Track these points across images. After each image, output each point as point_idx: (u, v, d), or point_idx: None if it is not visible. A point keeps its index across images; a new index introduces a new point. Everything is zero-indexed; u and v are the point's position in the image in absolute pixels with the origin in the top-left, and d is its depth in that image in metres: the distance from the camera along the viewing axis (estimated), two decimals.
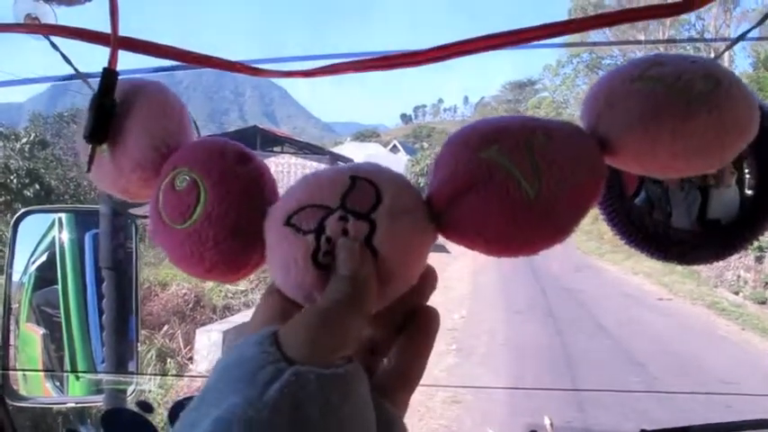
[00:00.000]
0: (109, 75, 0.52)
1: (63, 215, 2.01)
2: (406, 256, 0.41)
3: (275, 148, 22.05)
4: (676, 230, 0.60)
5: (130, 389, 1.73)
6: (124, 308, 1.73)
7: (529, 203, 0.40)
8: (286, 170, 19.12)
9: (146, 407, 1.18)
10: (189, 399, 1.18)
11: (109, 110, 0.51)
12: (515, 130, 0.42)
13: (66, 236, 1.93)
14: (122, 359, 1.73)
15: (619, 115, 0.42)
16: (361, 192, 0.41)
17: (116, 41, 0.52)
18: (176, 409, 1.14)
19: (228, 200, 0.45)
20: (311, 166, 19.18)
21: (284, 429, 0.31)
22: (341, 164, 0.47)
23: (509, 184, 0.40)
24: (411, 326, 0.45)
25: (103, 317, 1.74)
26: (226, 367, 0.35)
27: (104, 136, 0.51)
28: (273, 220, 0.43)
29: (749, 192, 0.61)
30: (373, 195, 0.41)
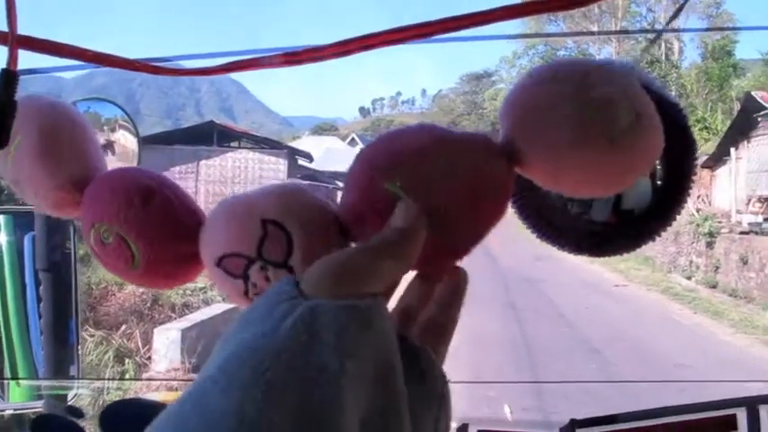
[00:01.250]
0: (9, 75, 0.50)
1: (0, 217, 1.95)
2: None
3: (232, 144, 21.82)
4: (590, 223, 0.60)
5: (71, 394, 1.69)
6: (63, 311, 1.69)
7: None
8: (243, 165, 18.93)
9: (75, 412, 1.16)
10: (122, 402, 1.16)
11: (10, 111, 0.50)
12: (419, 158, 0.43)
13: (3, 238, 1.88)
14: (62, 364, 1.69)
15: (536, 134, 0.43)
16: (273, 241, 0.44)
17: (14, 40, 0.51)
18: (107, 413, 1.12)
19: (156, 242, 0.49)
20: (269, 160, 19.03)
21: (298, 354, 0.30)
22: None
23: None
24: (444, 285, 0.46)
25: (41, 320, 1.70)
26: (243, 313, 0.35)
27: (6, 139, 0.50)
28: (207, 257, 0.47)
29: (660, 182, 0.63)
30: (285, 243, 0.44)
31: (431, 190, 0.42)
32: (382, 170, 0.43)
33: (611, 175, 0.43)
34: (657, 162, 0.62)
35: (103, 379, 6.10)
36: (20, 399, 1.80)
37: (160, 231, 0.49)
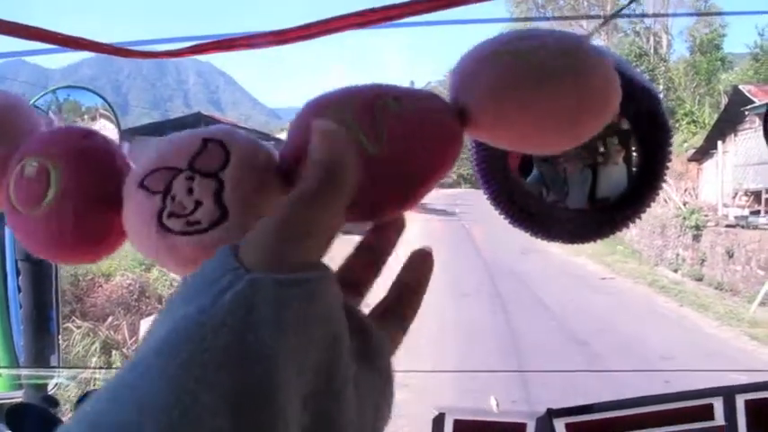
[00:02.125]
0: None
1: None
2: (257, 211, 0.41)
3: None
4: (566, 210, 0.60)
5: (51, 383, 1.68)
6: (43, 301, 1.68)
7: (370, 161, 0.40)
8: None
9: (51, 401, 1.15)
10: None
11: None
12: (365, 96, 0.42)
13: None
14: (42, 353, 1.68)
15: (475, 87, 0.43)
16: (210, 153, 0.41)
17: None
18: (83, 400, 1.11)
19: (81, 173, 0.45)
20: None
21: (237, 331, 0.29)
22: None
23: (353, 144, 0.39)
24: (405, 265, 0.44)
25: (21, 311, 1.69)
26: (185, 281, 0.33)
27: None
28: (130, 184, 0.43)
29: (635, 169, 0.62)
30: (222, 156, 0.41)
31: (377, 119, 0.41)
32: (330, 107, 0.42)
33: (552, 115, 0.42)
34: (633, 149, 0.62)
35: (82, 368, 6.08)
36: (1, 389, 1.79)
37: (89, 162, 0.46)
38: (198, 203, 0.40)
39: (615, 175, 0.62)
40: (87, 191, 0.44)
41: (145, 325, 7.08)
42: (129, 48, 0.51)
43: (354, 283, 0.43)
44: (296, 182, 0.41)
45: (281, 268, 0.32)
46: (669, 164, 0.64)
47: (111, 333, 7.37)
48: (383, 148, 0.40)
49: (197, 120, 20.72)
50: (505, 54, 0.42)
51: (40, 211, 0.44)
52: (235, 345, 0.28)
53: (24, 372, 1.68)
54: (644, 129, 0.49)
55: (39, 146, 0.46)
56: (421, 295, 0.44)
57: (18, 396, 1.73)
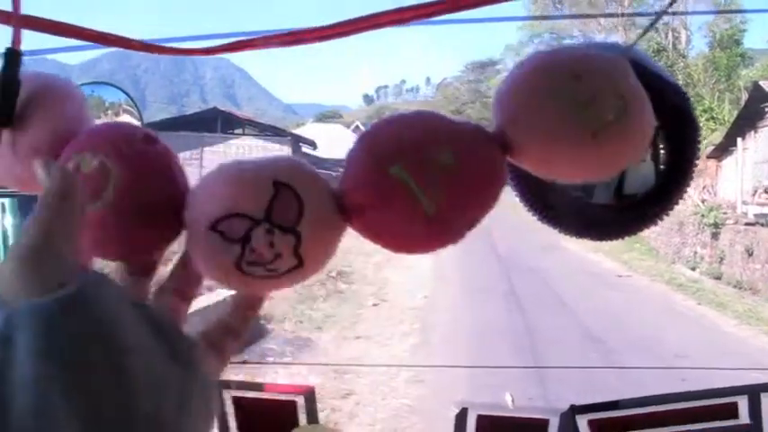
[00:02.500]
0: (12, 54, 0.50)
1: (6, 200, 1.95)
2: (327, 255, 0.45)
3: (236, 131, 21.83)
4: (592, 207, 0.60)
5: None
6: None
7: (427, 220, 0.43)
8: (247, 152, 18.95)
9: None
10: None
11: (14, 91, 0.49)
12: (422, 146, 0.44)
13: (9, 221, 1.88)
14: None
15: (527, 127, 0.44)
16: (284, 203, 0.42)
17: (18, 19, 0.51)
18: None
19: (141, 177, 0.45)
20: (272, 147, 19.08)
21: None
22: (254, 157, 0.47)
23: (410, 201, 0.43)
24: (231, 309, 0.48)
25: None
26: None
27: (9, 119, 0.49)
28: (198, 218, 0.43)
29: (663, 166, 0.62)
30: (296, 208, 0.43)
31: (433, 176, 0.43)
32: (385, 156, 0.44)
33: (598, 164, 0.45)
34: (661, 146, 0.62)
35: None
36: None
37: (149, 168, 0.45)
38: (278, 255, 0.42)
39: (643, 172, 0.62)
40: (146, 195, 0.45)
41: None
42: (162, 44, 0.52)
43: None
44: (353, 213, 0.45)
45: (35, 291, 0.31)
46: (697, 161, 0.63)
47: None
48: (440, 206, 0.43)
49: (215, 115, 20.82)
50: (554, 95, 0.44)
51: (95, 209, 0.43)
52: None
53: None
54: (672, 126, 0.49)
55: (97, 143, 0.46)
56: (251, 315, 0.49)
57: None
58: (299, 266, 0.43)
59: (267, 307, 8.89)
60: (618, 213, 0.61)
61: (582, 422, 0.97)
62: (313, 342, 7.76)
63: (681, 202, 0.63)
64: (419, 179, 0.43)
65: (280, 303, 9.11)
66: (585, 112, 0.43)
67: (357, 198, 0.44)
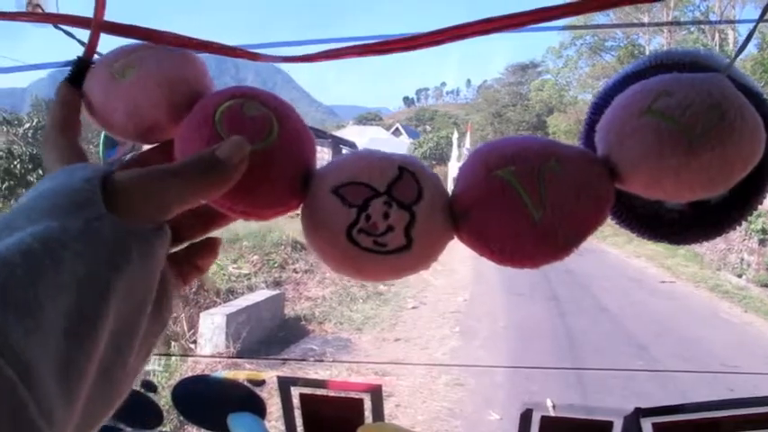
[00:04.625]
0: (81, 63, 0.52)
1: None
2: (434, 249, 0.47)
3: None
4: (667, 210, 0.60)
5: None
6: None
7: (533, 225, 0.44)
8: None
9: (150, 386, 1.20)
10: (192, 378, 1.21)
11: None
12: (532, 155, 0.46)
13: None
14: None
15: (626, 151, 0.45)
16: (406, 184, 0.46)
17: (98, 25, 0.52)
18: (179, 388, 1.16)
19: (294, 140, 0.47)
20: None
21: (88, 263, 0.34)
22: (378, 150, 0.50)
23: (517, 205, 0.45)
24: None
25: None
26: (52, 189, 0.37)
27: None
28: (322, 185, 0.46)
29: None
30: (416, 189, 0.45)
31: (540, 182, 0.45)
32: (496, 160, 0.46)
33: (704, 176, 0.44)
34: None
35: (168, 355, 6.25)
36: None
37: (300, 134, 0.48)
38: (389, 228, 0.45)
39: None
40: (293, 158, 0.47)
41: (204, 318, 7.22)
42: (256, 51, 0.54)
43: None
44: (460, 227, 0.47)
45: (134, 218, 0.37)
46: None
47: (171, 325, 7.51)
48: (547, 213, 0.44)
49: None
50: (654, 115, 0.44)
51: (255, 148, 0.45)
52: (78, 272, 0.33)
53: None
54: None
55: (260, 95, 0.49)
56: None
57: None
58: (405, 248, 0.45)
59: (307, 308, 8.97)
60: (692, 219, 0.61)
61: (646, 425, 0.98)
62: (352, 343, 7.79)
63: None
64: (525, 182, 0.45)
65: (320, 305, 9.17)
66: (679, 122, 0.43)
67: (465, 200, 0.46)
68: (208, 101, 0.48)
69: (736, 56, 0.50)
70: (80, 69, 0.52)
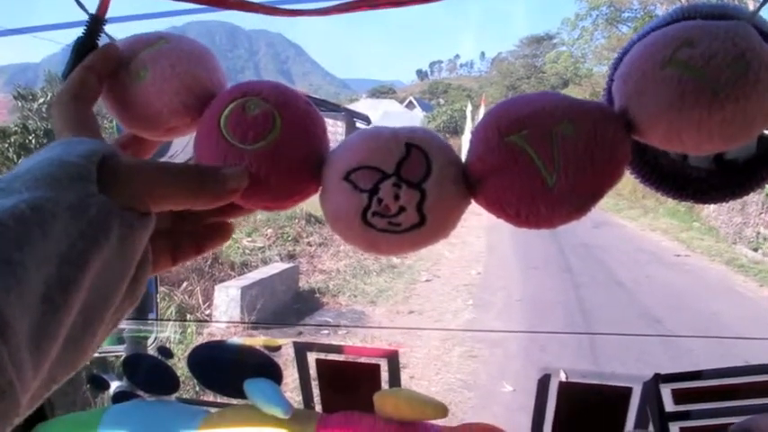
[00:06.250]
0: (96, 21, 0.52)
1: None
2: (448, 221, 0.48)
3: None
4: (693, 169, 0.59)
5: (151, 338, 1.76)
6: None
7: (547, 190, 0.45)
8: None
9: (166, 352, 1.21)
10: (208, 344, 1.21)
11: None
12: (545, 116, 0.45)
13: None
14: (143, 310, 1.76)
15: (647, 103, 0.44)
16: (414, 161, 0.46)
17: None
18: (195, 354, 1.16)
19: (300, 132, 0.49)
20: (326, 123, 19.06)
21: (73, 234, 0.36)
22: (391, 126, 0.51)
23: (531, 171, 0.45)
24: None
25: None
26: (50, 159, 0.39)
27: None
28: (333, 171, 0.48)
29: (766, 131, 0.60)
30: (424, 165, 0.46)
31: (552, 145, 0.44)
32: (508, 125, 0.46)
33: (727, 128, 0.43)
34: None
35: (183, 320, 6.33)
36: (105, 343, 1.89)
37: (307, 125, 0.50)
38: (401, 209, 0.46)
39: None
40: (301, 149, 0.49)
41: (219, 291, 7.29)
42: (275, 6, 0.53)
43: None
44: (476, 193, 0.48)
45: (126, 202, 0.39)
46: None
47: (186, 298, 7.59)
48: (560, 177, 0.44)
49: None
50: (676, 66, 0.43)
51: (253, 148, 0.47)
52: (65, 244, 0.35)
53: (127, 326, 1.78)
54: None
55: (264, 90, 0.50)
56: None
57: (120, 350, 1.83)
58: (420, 225, 0.46)
59: (321, 281, 9.02)
60: (719, 178, 0.60)
61: (665, 391, 0.97)
62: (366, 316, 7.84)
63: None
64: (538, 147, 0.45)
65: (334, 278, 9.21)
66: (702, 74, 0.42)
67: (479, 167, 0.47)
68: (214, 105, 0.50)
69: (763, 4, 0.48)
70: (94, 27, 0.52)
